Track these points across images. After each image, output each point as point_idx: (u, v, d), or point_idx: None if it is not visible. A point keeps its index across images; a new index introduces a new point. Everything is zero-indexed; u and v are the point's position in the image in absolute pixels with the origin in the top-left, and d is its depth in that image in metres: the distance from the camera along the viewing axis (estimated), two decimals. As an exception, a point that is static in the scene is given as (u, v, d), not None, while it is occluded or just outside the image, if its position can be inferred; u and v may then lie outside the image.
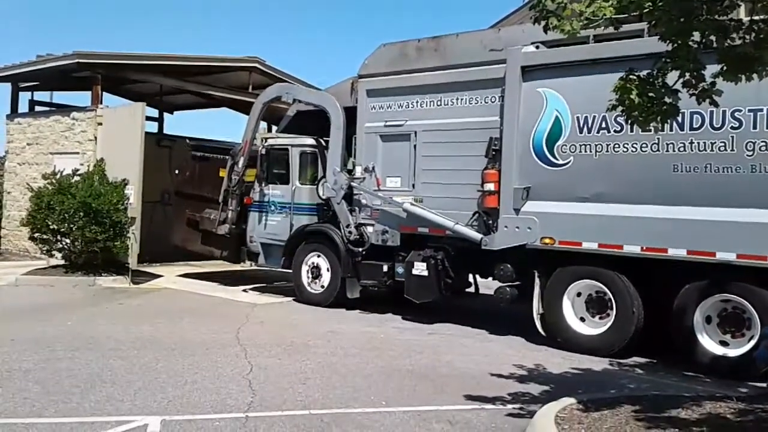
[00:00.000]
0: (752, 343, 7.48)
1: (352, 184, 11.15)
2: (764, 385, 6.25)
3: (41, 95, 19.48)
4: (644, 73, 5.00)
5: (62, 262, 14.09)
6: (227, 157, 13.03)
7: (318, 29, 66.67)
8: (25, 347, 7.97)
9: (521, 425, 5.66)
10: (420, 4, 65.70)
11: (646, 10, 4.64)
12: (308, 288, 11.81)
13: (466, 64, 9.81)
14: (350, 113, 11.34)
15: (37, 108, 18.85)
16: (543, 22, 4.85)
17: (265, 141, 12.87)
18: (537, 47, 9.17)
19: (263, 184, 12.58)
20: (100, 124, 15.51)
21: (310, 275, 11.78)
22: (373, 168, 10.92)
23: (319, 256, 11.66)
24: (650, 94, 4.85)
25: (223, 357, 7.81)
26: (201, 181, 14.11)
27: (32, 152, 17.34)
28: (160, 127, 19.95)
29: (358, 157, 11.24)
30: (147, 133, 14.85)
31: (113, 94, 18.95)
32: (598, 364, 8.09)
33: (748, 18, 4.70)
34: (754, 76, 4.76)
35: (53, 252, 14.10)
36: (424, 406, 6.20)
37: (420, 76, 10.35)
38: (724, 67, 4.73)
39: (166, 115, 20.48)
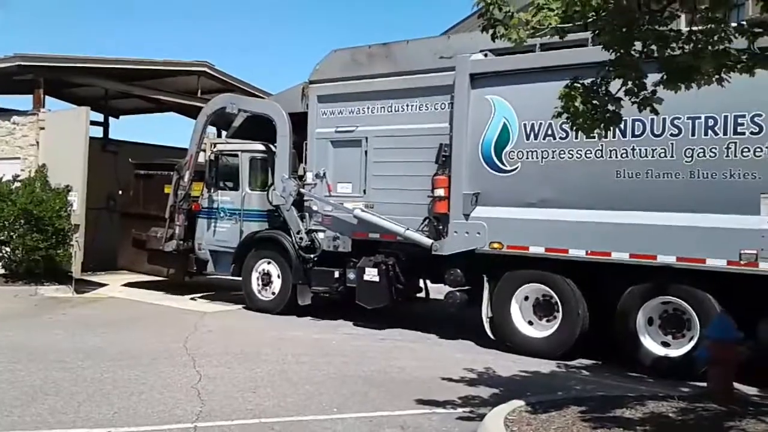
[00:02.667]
0: (692, 343, 7.75)
1: (301, 190, 11.13)
2: (704, 384, 6.45)
3: (-20, 99, 18.85)
4: (588, 81, 5.13)
5: (2, 271, 13.65)
6: (172, 173, 12.77)
7: (269, 34, 66.34)
8: (-38, 360, 7.70)
9: (471, 428, 5.72)
10: (372, 11, 66.12)
11: (590, 20, 4.76)
12: (258, 295, 11.68)
13: (416, 71, 9.89)
14: (301, 119, 11.27)
15: (-24, 112, 18.21)
16: (491, 31, 4.93)
17: (214, 146, 12.67)
18: (485, 55, 9.30)
19: (212, 191, 12.37)
20: (43, 128, 15.05)
21: (260, 282, 11.66)
22: (324, 174, 10.90)
23: (269, 263, 11.56)
24: (594, 102, 4.98)
25: (170, 367, 7.65)
26: (146, 200, 13.75)
27: (-30, 157, 16.73)
28: (105, 132, 19.47)
29: (309, 163, 11.18)
30: (91, 138, 14.47)
31: (56, 98, 18.39)
32: (546, 366, 8.22)
33: (688, 29, 4.86)
34: (693, 85, 4.92)
35: (-7, 261, 13.67)
36: (376, 412, 6.21)
37: (371, 82, 10.40)
38: (665, 76, 4.88)
39: (111, 119, 19.99)
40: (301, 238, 11.06)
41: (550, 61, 8.60)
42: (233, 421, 5.83)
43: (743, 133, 7.47)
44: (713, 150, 7.63)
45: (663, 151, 7.91)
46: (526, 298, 9.04)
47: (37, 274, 13.29)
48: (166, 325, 10.42)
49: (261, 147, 12.08)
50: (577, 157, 8.47)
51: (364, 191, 10.48)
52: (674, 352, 7.93)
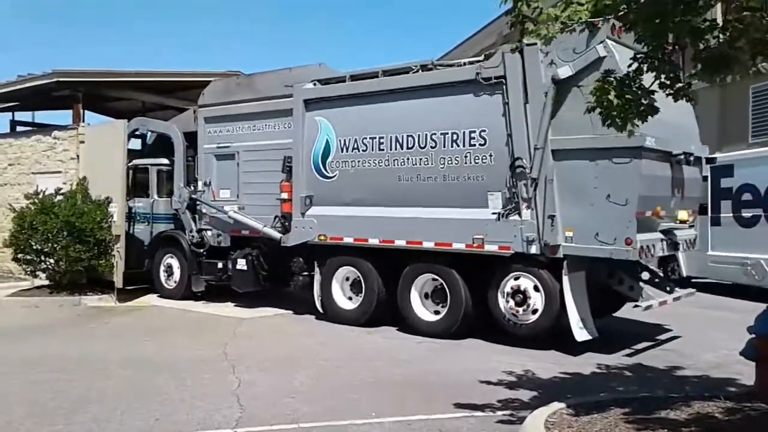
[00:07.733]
0: (447, 309, 9.81)
1: (193, 196, 13.29)
2: (751, 383, 6.27)
3: (22, 115, 19.37)
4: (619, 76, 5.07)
5: (47, 282, 13.96)
6: None
7: (297, 39, 66.90)
8: (9, 369, 7.91)
9: (512, 431, 5.63)
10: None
11: (621, 13, 4.67)
12: (165, 285, 13.92)
13: (269, 97, 11.98)
14: (195, 137, 13.38)
15: (18, 128, 18.72)
16: (519, 27, 4.88)
17: (130, 161, 14.55)
18: (314, 84, 11.28)
19: (130, 198, 14.46)
20: (82, 142, 15.41)
21: (165, 274, 13.90)
22: (210, 182, 13.05)
23: (171, 257, 13.81)
24: (627, 96, 4.88)
25: (210, 373, 7.74)
26: None
27: (14, 172, 17.19)
28: (143, 144, 19.79)
29: (199, 174, 13.31)
30: (130, 151, 14.77)
31: (95, 112, 18.83)
32: (587, 368, 8.08)
33: (723, 17, 4.74)
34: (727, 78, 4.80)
35: (37, 272, 14.00)
36: (414, 416, 6.17)
37: (239, 106, 12.54)
38: (699, 67, 4.77)
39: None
40: (193, 236, 13.29)
41: (355, 89, 10.75)
42: (272, 427, 5.86)
43: (474, 145, 9.44)
44: (457, 158, 9.60)
45: (426, 159, 9.89)
46: (347, 279, 11.09)
47: (81, 284, 13.57)
48: (205, 331, 10.56)
49: (166, 161, 14.25)
50: (373, 165, 10.46)
51: (238, 196, 12.61)
52: (440, 317, 9.94)
